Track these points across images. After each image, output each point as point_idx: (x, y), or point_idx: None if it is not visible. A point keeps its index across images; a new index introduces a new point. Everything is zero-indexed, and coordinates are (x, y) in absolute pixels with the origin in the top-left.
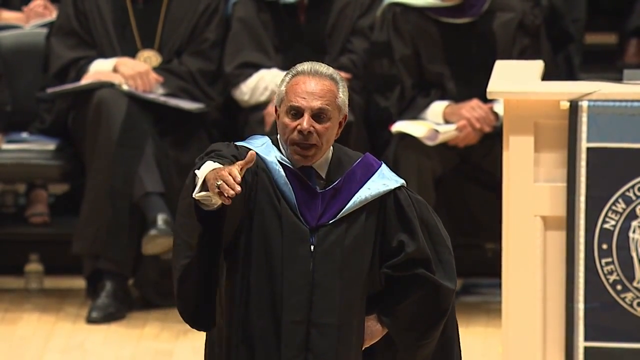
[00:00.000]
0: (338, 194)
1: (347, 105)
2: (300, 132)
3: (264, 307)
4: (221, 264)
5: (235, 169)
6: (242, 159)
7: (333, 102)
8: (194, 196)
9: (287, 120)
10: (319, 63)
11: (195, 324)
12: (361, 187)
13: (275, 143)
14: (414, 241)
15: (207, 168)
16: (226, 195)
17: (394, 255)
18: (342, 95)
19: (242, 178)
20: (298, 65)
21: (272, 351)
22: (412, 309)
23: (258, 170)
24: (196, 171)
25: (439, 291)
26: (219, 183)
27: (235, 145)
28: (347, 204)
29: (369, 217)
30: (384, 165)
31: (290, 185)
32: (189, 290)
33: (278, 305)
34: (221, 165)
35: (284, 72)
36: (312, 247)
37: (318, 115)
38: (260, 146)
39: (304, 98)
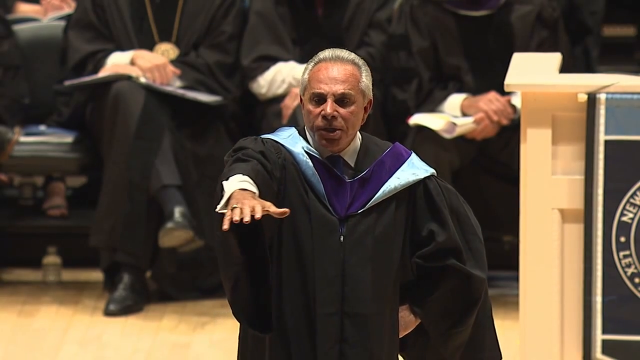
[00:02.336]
0: (367, 183)
1: (371, 90)
2: (324, 117)
3: (297, 300)
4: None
5: (260, 207)
6: (269, 155)
7: (356, 86)
8: (217, 211)
9: (310, 107)
10: (341, 49)
11: (254, 327)
12: (390, 176)
13: (302, 134)
14: (444, 230)
15: (235, 184)
16: (233, 220)
17: (425, 244)
18: (366, 80)
19: (271, 174)
20: (320, 52)
21: (307, 344)
22: (445, 299)
23: (286, 163)
24: (224, 182)
25: (471, 281)
26: (235, 206)
27: (262, 140)
28: (376, 194)
29: (398, 207)
30: (413, 155)
31: (318, 176)
32: (242, 296)
33: (311, 298)
34: (251, 185)
35: (302, 65)
36: (342, 238)
37: (341, 100)
38: (287, 137)
39: (327, 84)
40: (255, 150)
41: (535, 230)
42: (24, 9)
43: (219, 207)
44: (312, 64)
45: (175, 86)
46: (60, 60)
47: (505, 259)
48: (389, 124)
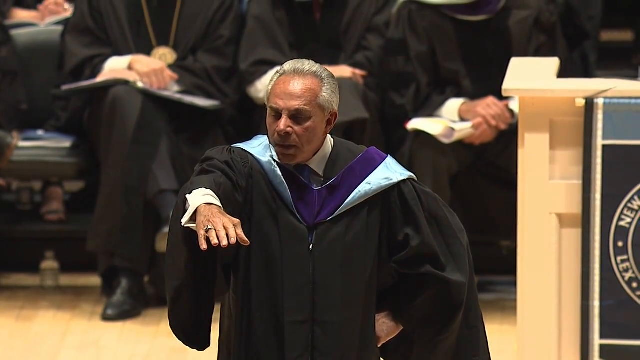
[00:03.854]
0: (336, 191)
1: (333, 103)
2: (278, 133)
3: (265, 308)
4: (219, 280)
5: (233, 231)
6: (235, 165)
7: (313, 101)
8: (182, 224)
9: (270, 121)
10: (305, 60)
11: (189, 342)
12: (361, 182)
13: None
14: (418, 234)
15: (199, 198)
16: (212, 243)
17: (402, 249)
18: (326, 94)
19: (236, 185)
20: (285, 63)
21: (275, 353)
22: (425, 307)
23: (253, 172)
24: (188, 196)
25: (450, 286)
26: (209, 227)
27: (231, 150)
28: (345, 200)
29: (371, 212)
30: (389, 158)
31: (285, 184)
32: (182, 310)
33: (280, 306)
34: (214, 199)
35: None
36: (310, 246)
37: (296, 116)
38: (257, 146)
39: (282, 99)
40: (221, 161)
41: (533, 235)
42: (21, 15)
43: (184, 220)
44: (277, 75)
45: (172, 91)
46: (57, 65)
47: (503, 264)
48: (387, 129)
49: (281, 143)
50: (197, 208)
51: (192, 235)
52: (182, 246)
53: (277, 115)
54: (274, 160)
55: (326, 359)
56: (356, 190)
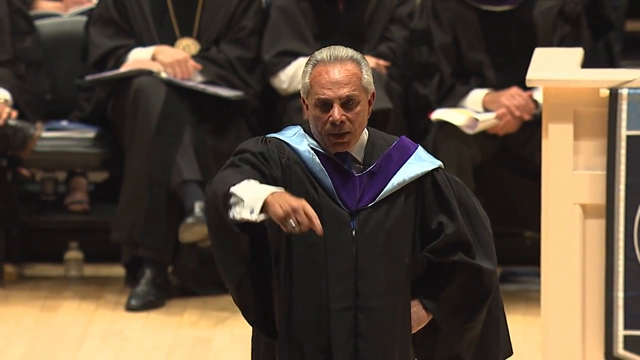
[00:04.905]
0: (375, 177)
1: (372, 83)
2: (332, 123)
3: (309, 296)
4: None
5: (309, 209)
6: (270, 156)
7: (359, 85)
8: (256, 220)
9: (317, 112)
10: (337, 47)
11: (263, 330)
12: (399, 169)
13: (307, 131)
14: (452, 222)
15: (253, 189)
16: (302, 228)
17: (434, 237)
18: (367, 76)
19: (268, 177)
20: (316, 53)
21: (320, 341)
22: (456, 295)
23: (290, 162)
24: (235, 189)
25: (481, 274)
26: (294, 221)
27: (267, 140)
28: (385, 186)
29: (407, 200)
30: (420, 148)
31: (325, 172)
32: (250, 298)
33: (324, 294)
34: (275, 188)
35: None
36: (353, 232)
37: (347, 103)
38: (292, 136)
39: (330, 89)
40: (255, 152)
41: (556, 226)
42: (45, 5)
43: (254, 216)
44: (310, 66)
45: (196, 81)
46: (81, 56)
47: (526, 255)
48: (410, 120)
49: (335, 132)
50: (265, 200)
51: (248, 225)
52: (237, 238)
53: (326, 105)
54: (312, 148)
55: (369, 345)
56: (395, 177)
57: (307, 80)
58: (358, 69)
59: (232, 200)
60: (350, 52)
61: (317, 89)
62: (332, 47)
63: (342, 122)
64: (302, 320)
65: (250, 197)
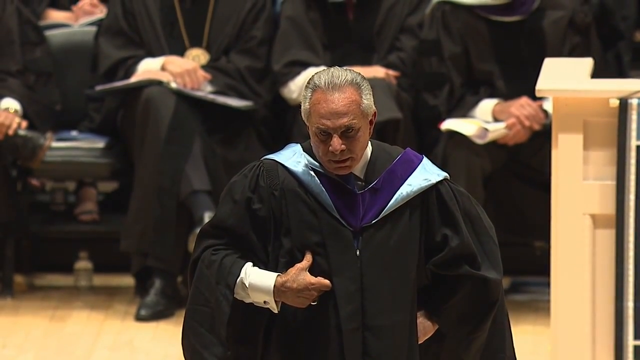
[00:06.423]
0: (378, 193)
1: (372, 105)
2: (332, 152)
3: (317, 320)
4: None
5: (313, 280)
6: (260, 193)
7: (358, 112)
8: (275, 310)
9: (317, 140)
10: (336, 69)
11: None
12: (402, 183)
13: (307, 150)
14: (457, 235)
15: (259, 277)
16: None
17: (439, 249)
18: (366, 100)
19: (254, 212)
20: (315, 76)
21: None
22: (462, 305)
23: (285, 191)
24: (246, 281)
25: (487, 284)
26: (311, 300)
27: (258, 173)
28: (389, 203)
29: (412, 214)
30: (425, 160)
31: (326, 192)
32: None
33: (333, 316)
34: (272, 274)
35: None
36: (357, 252)
37: (346, 132)
38: (292, 157)
39: (329, 119)
40: (242, 201)
41: (566, 236)
42: (55, 16)
43: (272, 306)
44: (309, 90)
45: (206, 91)
46: (91, 67)
47: (536, 265)
48: (420, 130)
49: (336, 159)
50: (273, 289)
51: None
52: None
53: (325, 134)
54: (311, 168)
55: None
56: (398, 192)
57: (307, 105)
58: (357, 94)
59: (245, 289)
60: (349, 75)
61: (315, 119)
62: (332, 71)
63: (342, 151)
64: (312, 342)
65: (261, 288)
